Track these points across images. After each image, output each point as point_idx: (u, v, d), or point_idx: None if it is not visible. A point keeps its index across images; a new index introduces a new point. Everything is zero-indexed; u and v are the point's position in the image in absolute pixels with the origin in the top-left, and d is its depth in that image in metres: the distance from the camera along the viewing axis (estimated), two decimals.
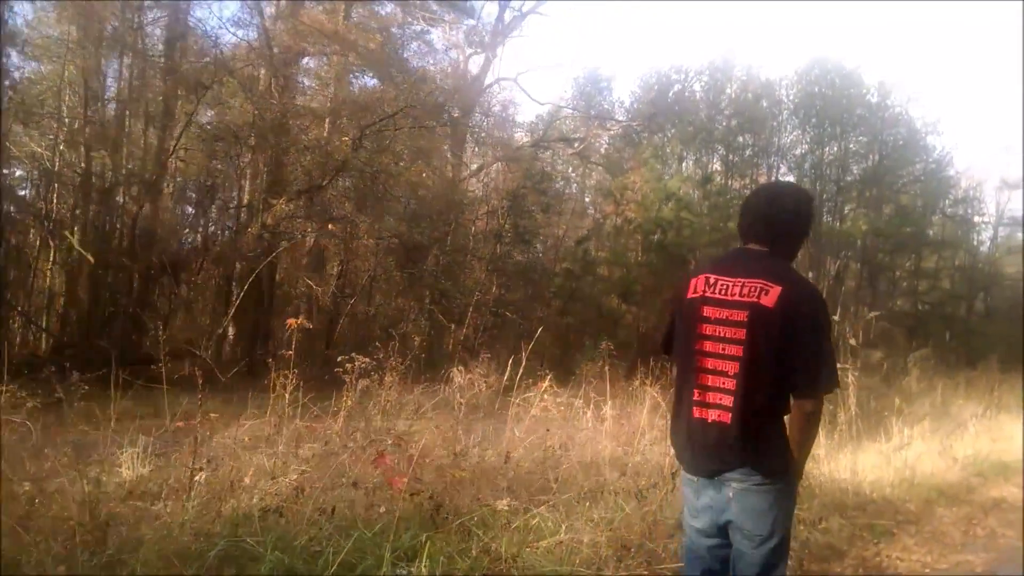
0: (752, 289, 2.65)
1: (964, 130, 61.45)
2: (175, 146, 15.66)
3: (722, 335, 2.69)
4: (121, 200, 16.01)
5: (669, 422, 3.01)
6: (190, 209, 19.06)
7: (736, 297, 2.68)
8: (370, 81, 20.43)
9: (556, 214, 24.22)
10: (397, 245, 18.41)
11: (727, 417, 2.65)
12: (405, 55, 20.67)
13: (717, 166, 30.85)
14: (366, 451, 4.10)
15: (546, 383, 5.78)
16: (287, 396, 5.52)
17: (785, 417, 2.72)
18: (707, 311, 2.74)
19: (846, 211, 30.93)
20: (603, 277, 23.65)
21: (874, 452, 7.97)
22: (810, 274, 29.57)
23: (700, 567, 2.89)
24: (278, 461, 4.22)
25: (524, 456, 4.96)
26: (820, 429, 7.42)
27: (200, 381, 4.00)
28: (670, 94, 30.28)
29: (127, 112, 16.73)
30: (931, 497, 7.35)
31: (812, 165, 30.66)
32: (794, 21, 58.20)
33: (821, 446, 7.23)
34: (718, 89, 30.79)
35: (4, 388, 5.28)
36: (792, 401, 2.67)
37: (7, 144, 15.43)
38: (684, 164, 30.63)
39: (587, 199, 31.08)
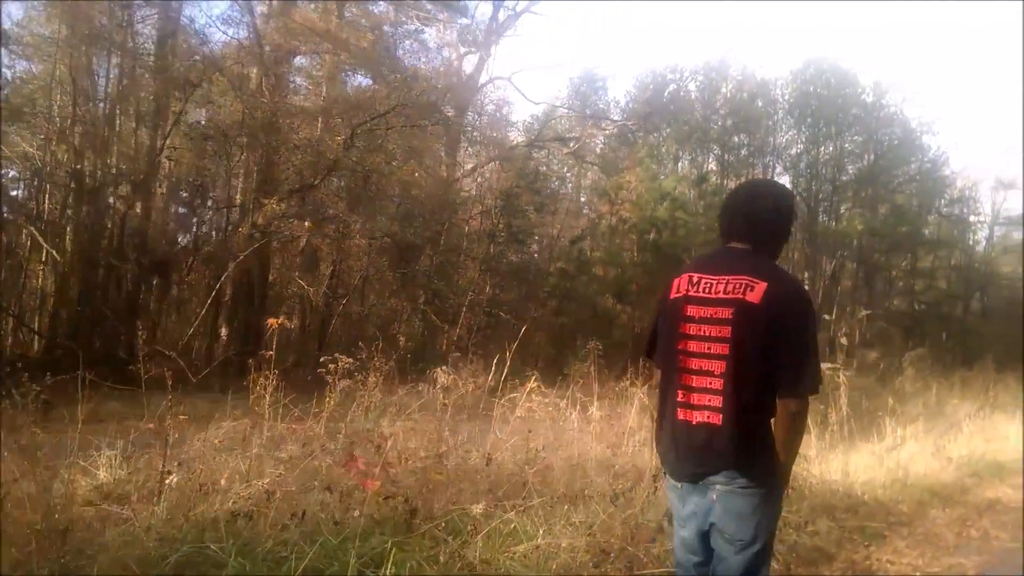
0: (737, 286, 2.58)
1: (960, 130, 61.45)
2: (163, 145, 15.53)
3: (707, 334, 2.62)
4: (110, 200, 15.88)
5: (655, 426, 2.94)
6: (180, 209, 18.93)
7: (721, 295, 2.61)
8: (362, 80, 20.35)
9: (550, 213, 24.13)
10: (390, 245, 18.31)
11: (716, 418, 2.57)
12: (398, 54, 20.54)
13: (713, 166, 30.85)
14: (344, 453, 3.99)
15: (531, 384, 5.67)
16: (268, 397, 5.43)
17: (772, 420, 2.64)
18: (691, 310, 2.66)
19: (842, 211, 30.91)
20: (598, 277, 23.57)
21: (867, 453, 7.88)
22: (806, 274, 29.58)
23: None
24: (252, 463, 4.11)
25: (507, 458, 4.85)
26: (812, 429, 7.40)
27: (171, 382, 3.90)
28: (665, 94, 30.24)
29: (116, 111, 16.61)
30: (924, 498, 7.26)
31: (807, 164, 30.66)
32: (790, 21, 58.26)
33: (812, 447, 7.14)
34: (713, 89, 30.76)
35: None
36: (777, 401, 2.58)
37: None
38: (680, 164, 30.62)
39: (583, 199, 31.04)
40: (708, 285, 2.65)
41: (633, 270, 23.23)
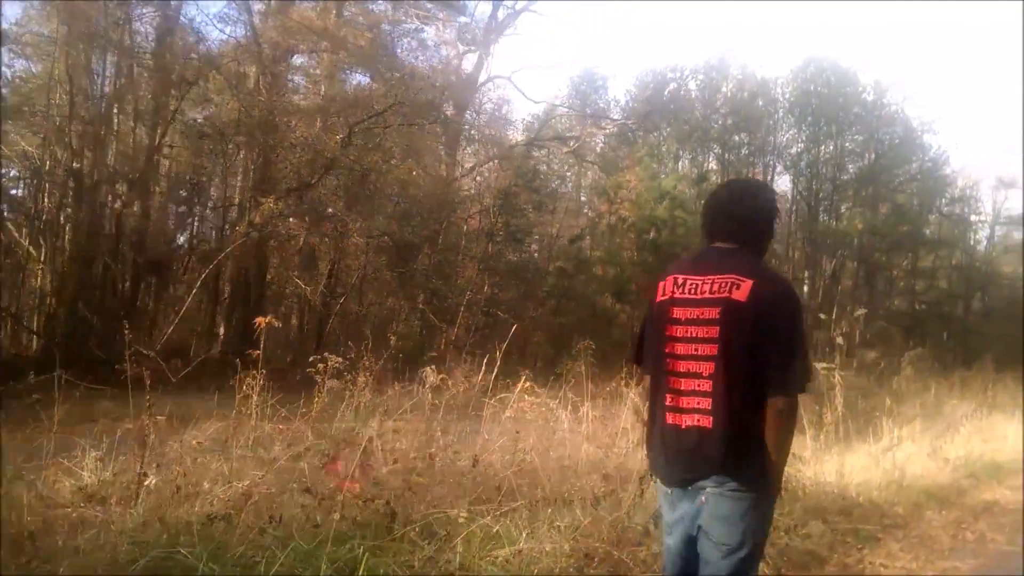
0: (723, 285, 2.54)
1: (960, 129, 61.33)
2: (158, 143, 15.48)
3: (694, 335, 2.57)
4: (106, 199, 15.83)
5: (645, 430, 2.90)
6: (177, 207, 18.89)
7: (707, 295, 2.57)
8: (361, 79, 20.29)
9: (549, 212, 24.05)
10: (388, 244, 18.26)
11: (706, 421, 2.52)
12: (397, 52, 20.48)
13: (713, 165, 30.76)
14: (329, 455, 3.93)
15: (521, 383, 5.61)
16: (255, 397, 5.37)
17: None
18: (677, 312, 2.63)
19: (842, 210, 30.82)
20: (597, 276, 23.48)
21: (863, 454, 7.80)
22: (806, 273, 29.53)
23: None
24: (233, 465, 4.05)
25: (496, 460, 4.79)
26: (807, 430, 7.32)
27: (149, 382, 3.84)
28: (666, 93, 30.16)
29: (114, 109, 16.57)
30: (920, 500, 7.17)
31: (808, 164, 30.59)
32: (791, 20, 58.12)
33: (807, 448, 7.07)
34: (714, 88, 30.68)
35: None
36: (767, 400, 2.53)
37: None
38: (680, 163, 30.55)
39: (583, 198, 30.99)
40: (694, 286, 2.61)
41: (632, 269, 23.13)
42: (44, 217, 16.91)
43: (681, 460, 2.60)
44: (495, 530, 3.60)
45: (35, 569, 2.87)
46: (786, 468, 6.07)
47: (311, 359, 6.28)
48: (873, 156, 30.50)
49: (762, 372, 2.47)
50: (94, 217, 15.39)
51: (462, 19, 23.99)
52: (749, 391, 2.49)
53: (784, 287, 2.61)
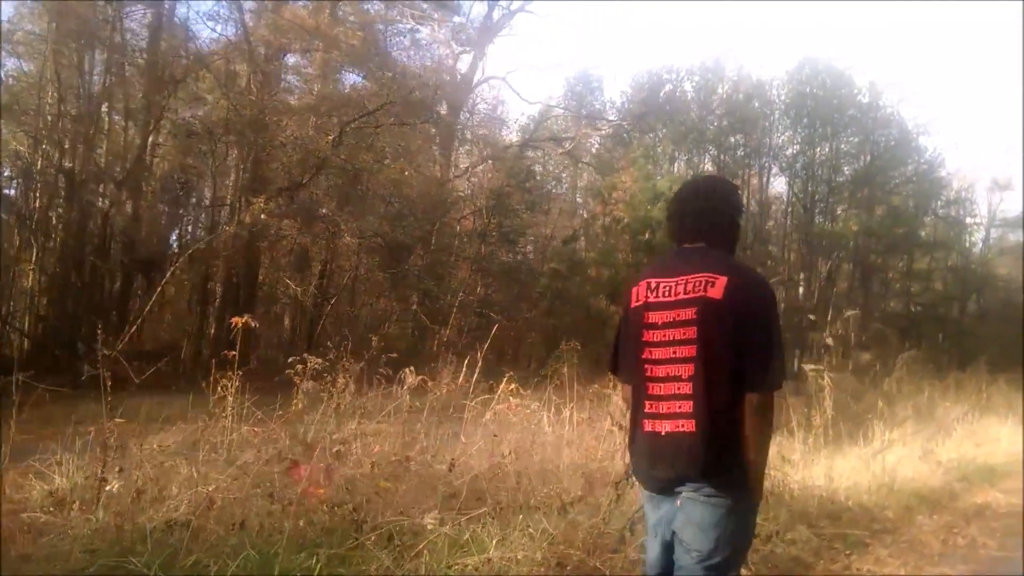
0: (697, 284, 2.48)
1: (956, 131, 61.33)
2: (146, 143, 15.37)
3: (672, 338, 2.51)
4: (93, 198, 15.72)
5: (626, 437, 2.86)
6: (167, 207, 18.76)
7: (681, 295, 2.51)
8: (353, 78, 20.20)
9: (543, 213, 23.97)
10: (380, 245, 18.15)
11: (688, 425, 2.45)
12: (390, 52, 20.40)
13: (708, 166, 30.64)
14: (291, 459, 3.81)
15: (503, 385, 5.49)
16: (230, 399, 5.25)
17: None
18: (652, 317, 2.56)
19: (838, 212, 30.76)
20: (591, 277, 23.39)
21: (853, 457, 7.70)
22: (801, 275, 29.43)
23: None
24: (200, 469, 3.93)
25: (474, 464, 4.67)
26: (796, 433, 7.21)
27: (109, 383, 3.72)
28: (661, 94, 30.09)
29: (103, 109, 16.46)
30: (911, 504, 7.07)
31: (804, 165, 30.51)
32: (786, 20, 58.08)
33: (796, 451, 6.97)
34: (709, 89, 30.59)
35: None
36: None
37: None
38: (676, 164, 30.47)
39: (579, 199, 30.92)
40: (668, 288, 2.55)
41: (627, 271, 23.01)
42: (36, 216, 16.81)
43: (662, 466, 2.53)
44: (465, 537, 3.49)
45: None
46: (774, 472, 5.99)
47: (290, 360, 6.18)
48: (869, 158, 30.43)
49: (742, 369, 2.41)
50: (82, 217, 15.28)
51: (457, 19, 23.98)
52: (730, 391, 2.43)
53: (758, 281, 2.56)
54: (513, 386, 5.92)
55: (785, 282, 28.34)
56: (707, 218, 2.64)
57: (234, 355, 5.47)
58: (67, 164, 15.29)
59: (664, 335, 2.52)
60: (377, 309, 19.36)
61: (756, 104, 30.20)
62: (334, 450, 4.24)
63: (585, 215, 28.34)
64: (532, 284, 21.71)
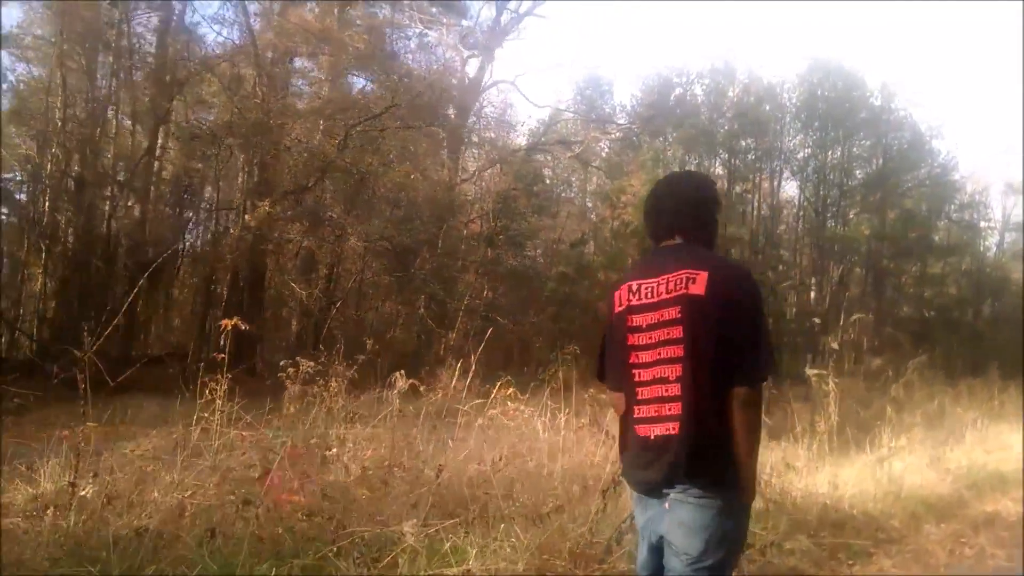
0: (678, 282, 2.42)
1: (969, 132, 60.80)
2: (150, 146, 15.37)
3: (657, 340, 2.45)
4: (97, 202, 15.74)
5: (617, 443, 2.77)
6: (174, 211, 18.79)
7: (664, 295, 2.45)
8: (360, 82, 20.18)
9: (550, 217, 23.85)
10: (386, 248, 18.09)
11: (677, 427, 2.38)
12: (397, 56, 20.36)
13: (719, 170, 30.43)
14: (264, 465, 3.70)
15: (496, 389, 5.38)
16: (218, 403, 5.16)
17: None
18: (636, 320, 2.51)
19: (850, 216, 30.49)
20: (600, 282, 23.23)
21: (860, 464, 7.54)
22: (813, 279, 29.17)
23: None
24: (177, 475, 3.84)
25: (462, 470, 4.56)
26: (801, 439, 7.06)
27: (82, 387, 3.64)
28: (671, 97, 29.89)
29: (108, 113, 16.50)
30: (918, 512, 6.88)
31: (815, 169, 30.23)
32: (796, 22, 57.71)
33: (800, 458, 6.82)
34: (720, 92, 30.36)
35: None
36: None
37: None
38: (686, 168, 30.25)
39: (588, 203, 30.79)
40: (649, 289, 2.50)
41: None
42: (44, 220, 16.86)
43: (652, 468, 2.46)
44: (446, 547, 3.37)
45: None
46: (776, 479, 5.84)
47: (282, 363, 6.09)
48: (881, 161, 30.13)
49: (729, 364, 2.35)
50: (88, 220, 15.30)
51: (465, 23, 23.95)
52: (719, 388, 2.37)
53: (741, 273, 2.51)
54: (511, 390, 5.81)
55: (796, 287, 28.12)
56: (683, 214, 2.60)
57: (223, 357, 5.38)
58: (75, 168, 15.32)
59: (650, 337, 2.47)
60: (383, 313, 19.28)
61: (767, 107, 29.96)
62: (319, 455, 4.14)
63: (594, 219, 28.21)
64: (540, 288, 21.59)
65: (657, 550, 2.52)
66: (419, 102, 17.47)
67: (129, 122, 16.93)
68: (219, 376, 5.23)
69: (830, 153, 30.29)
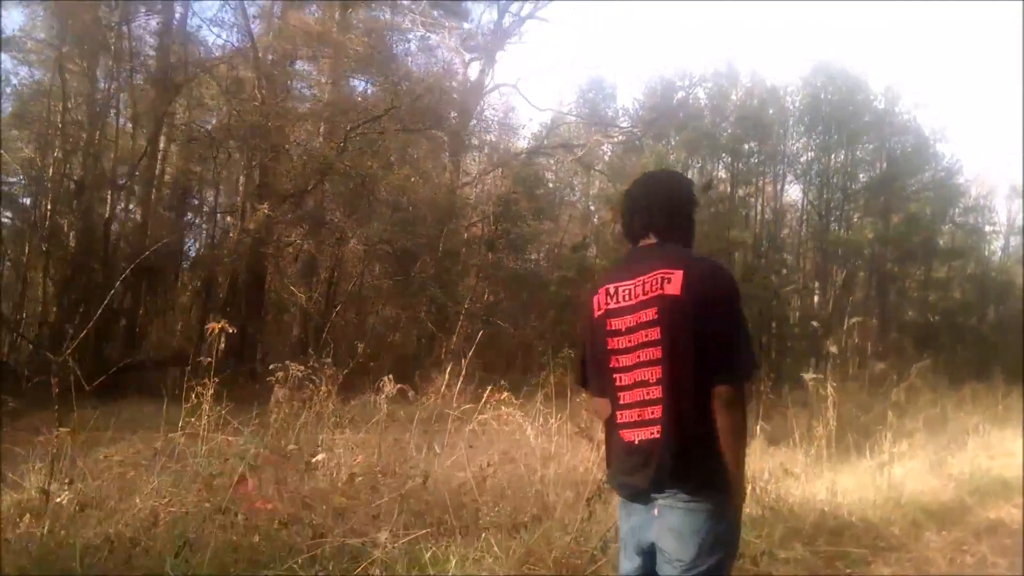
0: (654, 283, 2.38)
1: (973, 136, 60.58)
2: (156, 149, 15.34)
3: (636, 343, 2.41)
4: (99, 205, 15.72)
5: (602, 449, 2.78)
6: (173, 214, 18.76)
7: (641, 297, 2.41)
8: (360, 85, 20.15)
9: (551, 220, 23.77)
10: (387, 251, 18.04)
11: (658, 430, 2.34)
12: (397, 59, 20.31)
13: (722, 173, 30.36)
14: (238, 472, 3.63)
15: (487, 394, 5.30)
16: (205, 407, 5.09)
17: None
18: (615, 324, 2.47)
19: (854, 219, 30.38)
20: None
21: (860, 470, 7.44)
22: (816, 283, 29.03)
23: None
24: (155, 481, 3.76)
25: (449, 477, 4.47)
26: (800, 444, 6.95)
27: (56, 391, 3.57)
28: (674, 100, 29.84)
29: (108, 115, 16.48)
30: (919, 519, 6.76)
31: (819, 172, 30.15)
32: (799, 25, 57.62)
33: (798, 464, 6.72)
34: (723, 95, 30.31)
35: None
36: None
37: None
38: (689, 172, 30.14)
39: (591, 206, 30.72)
40: (626, 292, 2.45)
41: None
42: (46, 224, 16.86)
43: (638, 473, 2.40)
44: (427, 556, 3.29)
45: None
46: (772, 486, 5.73)
47: (271, 367, 6.02)
48: (884, 165, 30.06)
49: (709, 364, 2.30)
50: (87, 223, 15.28)
51: (466, 26, 23.90)
52: (701, 389, 2.31)
53: (716, 269, 2.45)
54: (504, 395, 5.73)
55: (800, 291, 27.98)
56: (657, 213, 2.56)
57: (210, 361, 5.32)
58: (75, 171, 15.31)
59: (629, 340, 2.43)
60: (384, 316, 19.22)
61: (770, 110, 29.91)
62: (304, 461, 4.06)
63: (597, 222, 28.12)
64: (541, 292, 21.50)
65: (648, 555, 2.46)
66: (419, 105, 17.42)
67: (130, 125, 16.89)
68: (206, 380, 5.17)
69: (833, 156, 30.22)
